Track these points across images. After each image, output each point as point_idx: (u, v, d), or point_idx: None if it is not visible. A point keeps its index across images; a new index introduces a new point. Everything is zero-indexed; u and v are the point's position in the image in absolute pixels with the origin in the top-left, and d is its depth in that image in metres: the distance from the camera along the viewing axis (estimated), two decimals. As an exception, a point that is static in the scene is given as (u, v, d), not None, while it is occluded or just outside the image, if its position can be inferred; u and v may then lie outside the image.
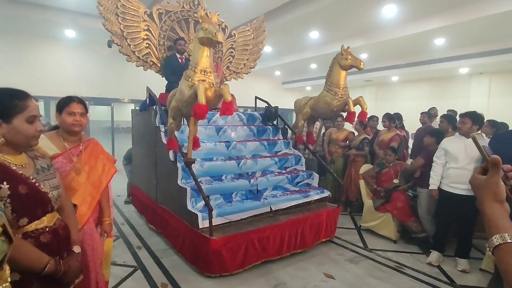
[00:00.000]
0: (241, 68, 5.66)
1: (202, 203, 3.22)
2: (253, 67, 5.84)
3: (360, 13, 6.52)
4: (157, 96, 4.15)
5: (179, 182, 3.42)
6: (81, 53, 9.15)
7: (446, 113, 5.45)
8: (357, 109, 3.50)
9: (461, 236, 3.47)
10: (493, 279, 2.91)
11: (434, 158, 3.54)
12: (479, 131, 3.50)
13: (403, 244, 4.00)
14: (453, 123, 4.42)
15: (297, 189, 4.07)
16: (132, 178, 5.21)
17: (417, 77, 11.03)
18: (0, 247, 0.84)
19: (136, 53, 4.51)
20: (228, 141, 4.13)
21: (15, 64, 8.21)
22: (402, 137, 4.98)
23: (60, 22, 7.39)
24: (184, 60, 4.57)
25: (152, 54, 4.68)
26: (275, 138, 4.72)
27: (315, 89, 12.63)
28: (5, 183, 1.09)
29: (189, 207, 3.21)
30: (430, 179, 3.53)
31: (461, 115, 3.40)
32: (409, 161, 4.83)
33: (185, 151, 3.36)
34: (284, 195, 3.80)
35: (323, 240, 3.84)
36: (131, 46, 4.44)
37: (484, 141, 0.82)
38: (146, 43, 4.60)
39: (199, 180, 3.25)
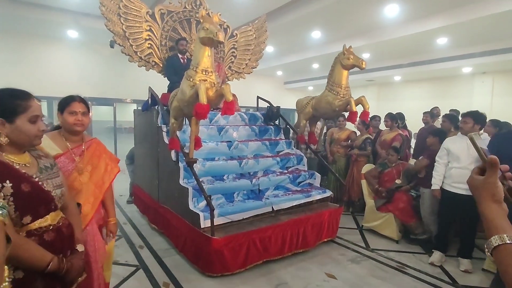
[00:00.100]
0: (243, 68, 5.66)
1: (204, 203, 3.22)
2: (255, 67, 5.84)
3: (362, 12, 6.51)
4: (159, 96, 4.16)
5: (181, 182, 3.43)
6: (83, 54, 9.19)
7: (448, 112, 5.43)
8: (359, 109, 3.50)
9: (463, 236, 3.46)
10: (495, 279, 2.90)
11: (437, 158, 3.53)
12: (482, 131, 3.49)
13: (405, 244, 3.99)
14: (455, 122, 4.40)
15: (299, 189, 4.06)
16: (134, 178, 5.23)
17: (419, 77, 11.00)
18: None
19: (138, 53, 4.52)
20: (230, 141, 4.13)
21: (18, 64, 8.26)
22: (404, 137, 4.96)
23: (63, 22, 7.43)
24: (186, 60, 4.58)
25: (154, 54, 4.69)
26: (277, 138, 4.72)
27: (317, 89, 12.63)
28: (8, 181, 1.10)
29: (191, 207, 3.21)
30: (432, 179, 3.52)
31: (463, 115, 3.39)
32: (411, 161, 4.81)
33: (187, 151, 3.36)
34: (286, 195, 3.80)
35: (325, 240, 3.84)
36: (133, 46, 4.46)
37: (481, 141, 0.81)
38: (148, 44, 4.61)
39: (201, 180, 3.25)
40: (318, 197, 3.99)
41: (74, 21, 7.38)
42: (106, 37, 5.79)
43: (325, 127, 5.04)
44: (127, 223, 4.55)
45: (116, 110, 10.07)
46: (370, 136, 5.26)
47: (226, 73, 5.40)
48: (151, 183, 4.30)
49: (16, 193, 1.11)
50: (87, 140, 1.95)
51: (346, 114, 3.75)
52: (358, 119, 3.64)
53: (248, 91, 8.08)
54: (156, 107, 4.11)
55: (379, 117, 5.76)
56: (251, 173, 3.96)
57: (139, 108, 4.96)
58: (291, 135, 5.02)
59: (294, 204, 3.71)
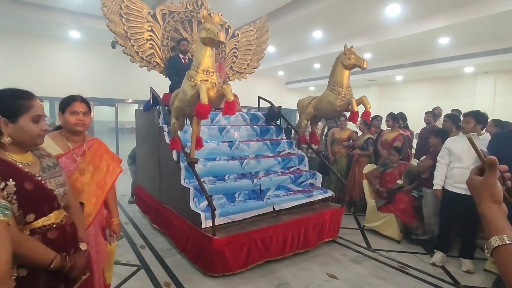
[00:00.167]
0: (245, 68, 5.67)
1: (205, 203, 3.22)
2: (257, 67, 5.85)
3: (364, 12, 6.50)
4: (161, 96, 4.17)
5: (182, 182, 3.44)
6: (85, 54, 9.22)
7: (450, 112, 5.41)
8: (360, 109, 3.49)
9: (465, 236, 3.45)
10: (497, 279, 2.90)
11: (438, 158, 3.52)
12: (484, 130, 3.48)
13: (407, 244, 3.98)
14: (456, 122, 4.39)
15: (300, 189, 4.06)
16: (136, 178, 5.24)
17: (421, 77, 10.97)
18: None
19: (139, 53, 4.54)
20: (231, 141, 4.14)
21: (20, 64, 8.29)
22: (405, 137, 4.95)
23: (65, 23, 7.46)
24: (187, 61, 4.59)
25: (156, 55, 4.70)
26: (278, 138, 4.72)
27: (318, 89, 12.61)
28: (11, 180, 1.11)
29: (192, 207, 3.22)
30: (434, 179, 3.51)
31: (465, 115, 3.38)
32: (413, 161, 4.80)
33: (188, 151, 3.37)
34: (287, 195, 3.80)
35: (327, 240, 3.84)
36: (135, 46, 4.47)
37: (480, 141, 0.81)
38: (150, 44, 4.62)
39: (202, 180, 3.26)
40: (320, 197, 3.98)
41: (76, 22, 7.41)
42: (108, 37, 5.80)
43: (326, 127, 5.04)
44: (129, 223, 4.56)
45: (118, 110, 10.09)
46: (372, 136, 5.26)
47: (228, 73, 5.41)
48: (153, 183, 4.31)
49: (19, 192, 1.12)
50: (88, 140, 1.94)
51: (348, 114, 3.76)
52: (359, 119, 3.64)
53: (249, 91, 8.08)
54: (157, 107, 4.12)
55: (381, 117, 5.75)
56: (252, 173, 3.96)
57: (141, 108, 4.97)
58: (292, 135, 5.03)
59: (295, 204, 3.71)
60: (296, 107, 4.73)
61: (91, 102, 2.00)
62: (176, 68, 4.51)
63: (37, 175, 1.24)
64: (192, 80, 2.81)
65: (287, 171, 4.21)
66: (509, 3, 5.34)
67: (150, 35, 4.60)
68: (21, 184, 1.14)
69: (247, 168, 3.92)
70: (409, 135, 5.48)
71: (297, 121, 4.88)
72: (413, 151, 5.95)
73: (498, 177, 0.76)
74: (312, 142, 4.56)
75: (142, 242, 3.89)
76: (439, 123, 5.67)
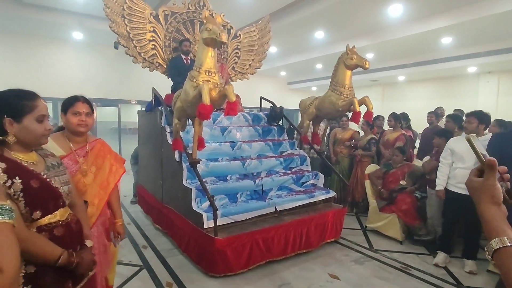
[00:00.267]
0: (247, 69, 5.67)
1: (207, 203, 3.23)
2: (259, 68, 5.85)
3: (366, 12, 6.49)
4: (163, 97, 4.18)
5: (184, 182, 3.44)
6: (88, 55, 9.26)
7: (452, 112, 5.39)
8: (362, 109, 3.49)
9: (468, 237, 3.43)
10: (500, 281, 2.88)
11: (440, 159, 3.50)
12: (487, 130, 3.46)
13: (409, 245, 3.96)
14: (459, 123, 4.37)
15: (302, 189, 4.06)
16: (139, 178, 5.25)
17: (424, 77, 10.93)
18: None
19: (142, 54, 4.55)
20: (233, 142, 4.14)
21: (24, 65, 8.34)
22: (407, 137, 4.93)
23: (68, 24, 7.49)
24: (189, 61, 4.60)
25: (158, 55, 4.71)
26: (280, 139, 4.72)
27: (320, 89, 12.58)
28: (17, 177, 1.13)
29: (194, 207, 3.22)
30: (436, 179, 3.50)
31: (467, 115, 3.37)
32: (416, 161, 4.78)
33: (190, 151, 3.38)
34: (289, 195, 3.80)
35: (329, 240, 3.83)
36: (137, 47, 4.48)
37: (480, 142, 0.80)
38: (152, 45, 4.64)
39: (204, 180, 3.26)
40: (322, 197, 3.98)
41: (79, 23, 7.45)
42: (111, 38, 5.81)
43: (328, 127, 5.03)
44: (131, 223, 4.57)
45: (121, 111, 10.13)
46: (374, 136, 5.24)
47: (230, 73, 5.41)
48: (155, 184, 4.32)
49: (25, 189, 1.14)
50: (91, 140, 1.94)
51: (350, 114, 3.75)
52: (362, 119, 3.63)
53: (251, 92, 8.09)
54: (159, 108, 4.13)
55: (383, 117, 5.74)
56: (254, 174, 3.96)
57: (143, 109, 4.98)
58: (295, 135, 5.02)
59: (297, 205, 3.71)
60: (298, 108, 4.73)
61: (93, 103, 1.98)
62: (178, 69, 4.52)
63: (42, 174, 1.26)
64: (194, 80, 2.81)
65: (289, 172, 4.20)
66: (512, 3, 5.32)
67: (152, 36, 4.62)
68: (27, 182, 1.16)
69: (249, 168, 3.92)
70: (412, 135, 5.46)
71: (299, 121, 4.87)
72: (416, 151, 5.92)
73: (498, 178, 0.75)
74: (314, 143, 4.55)
75: (144, 242, 3.90)
76: (442, 123, 5.65)
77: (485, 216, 0.74)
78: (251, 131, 4.50)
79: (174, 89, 4.50)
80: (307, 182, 4.20)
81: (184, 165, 3.51)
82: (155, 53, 4.68)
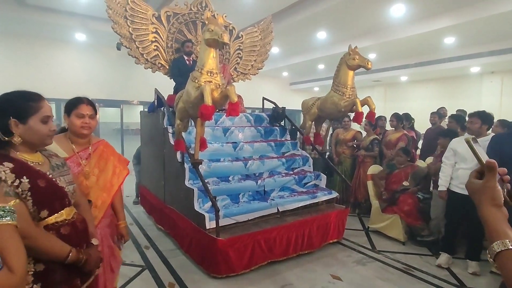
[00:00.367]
0: (249, 69, 5.68)
1: (209, 204, 3.23)
2: (261, 68, 5.85)
3: (368, 12, 6.48)
4: (165, 98, 4.19)
5: (186, 183, 3.45)
6: (91, 56, 9.30)
7: (455, 113, 5.37)
8: (365, 110, 3.48)
9: (471, 238, 3.41)
10: (503, 282, 2.85)
11: (443, 159, 3.49)
12: (490, 131, 3.44)
13: (412, 245, 3.95)
14: (461, 123, 4.35)
15: (304, 190, 4.05)
16: (141, 179, 5.27)
17: (426, 77, 10.89)
18: None
19: (144, 55, 4.57)
20: (235, 142, 4.14)
21: (27, 66, 8.39)
22: (409, 137, 4.91)
23: (71, 25, 7.53)
24: (191, 62, 4.61)
25: (160, 56, 4.73)
26: (283, 139, 4.72)
27: (322, 90, 12.57)
28: (24, 177, 1.15)
29: (196, 207, 3.23)
30: (439, 180, 3.48)
31: (470, 115, 3.35)
32: (418, 162, 4.76)
33: (192, 152, 3.38)
34: (291, 196, 3.80)
35: (331, 241, 3.82)
36: (140, 48, 4.50)
37: (478, 144, 0.80)
38: (154, 46, 4.65)
39: (206, 181, 3.27)
40: (324, 198, 3.97)
41: (82, 24, 7.49)
42: (113, 39, 5.85)
43: (330, 128, 5.02)
44: (133, 223, 4.58)
45: (123, 111, 10.16)
46: (377, 137, 5.22)
47: (232, 74, 5.42)
48: (157, 184, 4.33)
49: (33, 188, 1.16)
50: (94, 142, 1.93)
51: (352, 114, 3.74)
52: (364, 119, 3.62)
53: (253, 92, 8.08)
54: (162, 108, 4.14)
55: (385, 117, 5.72)
56: (257, 174, 3.96)
57: (146, 109, 5.00)
58: (298, 136, 5.02)
59: (299, 206, 3.71)
60: (300, 108, 4.73)
61: (96, 104, 1.98)
62: (181, 70, 4.53)
63: (48, 174, 1.28)
64: (196, 81, 2.81)
65: (291, 172, 4.20)
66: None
67: (154, 37, 4.63)
68: (34, 182, 1.17)
69: (251, 169, 3.92)
70: (415, 136, 5.44)
71: (301, 122, 4.87)
72: (418, 152, 5.89)
73: (498, 180, 0.75)
74: (317, 143, 4.55)
75: (147, 242, 3.91)
76: (445, 124, 5.63)
77: (486, 219, 0.74)
78: (253, 131, 4.50)
79: (176, 90, 4.51)
80: (309, 182, 4.19)
81: (186, 165, 3.52)
82: (158, 54, 4.69)
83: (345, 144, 5.39)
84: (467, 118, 3.78)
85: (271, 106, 5.00)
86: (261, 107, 5.43)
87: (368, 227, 4.46)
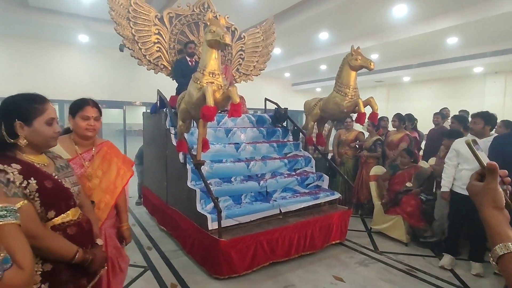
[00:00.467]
0: (251, 70, 5.68)
1: (212, 204, 3.23)
2: (263, 69, 5.86)
3: (370, 13, 6.47)
4: (168, 99, 4.20)
5: (188, 184, 3.45)
6: (94, 57, 9.35)
7: (458, 113, 5.35)
8: (367, 110, 3.47)
9: (474, 239, 3.39)
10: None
11: (446, 160, 3.47)
12: (493, 131, 3.42)
13: (415, 247, 3.93)
14: (464, 124, 4.33)
15: (307, 191, 4.05)
16: (143, 180, 5.28)
17: (429, 77, 10.86)
18: None
19: (147, 56, 4.59)
20: (238, 143, 4.15)
21: (30, 68, 8.44)
22: (412, 138, 4.89)
23: (74, 27, 7.58)
24: (194, 63, 4.62)
25: (163, 57, 4.74)
26: (285, 140, 4.72)
27: (325, 91, 12.56)
28: (32, 178, 1.16)
29: (199, 208, 3.23)
30: (441, 181, 3.47)
31: (473, 115, 3.33)
32: (421, 163, 4.74)
33: (194, 153, 3.39)
34: (293, 197, 3.79)
35: (334, 242, 3.81)
36: (142, 50, 4.52)
37: (479, 146, 0.79)
38: (157, 47, 4.67)
39: (208, 181, 3.27)
40: (326, 199, 3.96)
41: (84, 26, 7.53)
42: (116, 41, 5.88)
43: (333, 128, 5.01)
44: (136, 224, 4.59)
45: (126, 112, 10.19)
46: (380, 138, 5.20)
47: (234, 75, 5.43)
48: (160, 185, 4.34)
49: (40, 189, 1.18)
50: (98, 143, 1.92)
51: (354, 115, 3.73)
52: (367, 120, 3.61)
53: (255, 93, 8.10)
54: (164, 109, 4.15)
55: (387, 118, 5.70)
56: (259, 175, 3.96)
57: (148, 110, 5.01)
58: (300, 137, 5.01)
59: (302, 206, 3.70)
60: (302, 109, 4.72)
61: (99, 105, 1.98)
62: (183, 71, 4.54)
63: (54, 175, 1.30)
64: (198, 82, 2.82)
65: (294, 173, 4.20)
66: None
67: (157, 38, 4.65)
68: (41, 183, 1.19)
69: (253, 170, 3.92)
70: (417, 137, 5.43)
71: (303, 122, 4.87)
72: (421, 152, 5.87)
73: (499, 181, 0.74)
74: (319, 144, 4.54)
75: (149, 243, 3.92)
76: (447, 124, 5.61)
77: (487, 221, 0.73)
78: (255, 132, 4.51)
79: (179, 91, 4.52)
80: (311, 183, 4.19)
81: (188, 166, 3.52)
82: (160, 55, 4.71)
83: (348, 145, 5.38)
84: (470, 119, 3.76)
85: (273, 107, 5.00)
86: (263, 108, 5.44)
87: (371, 228, 4.45)
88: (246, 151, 4.12)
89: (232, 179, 3.74)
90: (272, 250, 3.22)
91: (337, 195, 4.08)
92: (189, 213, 3.42)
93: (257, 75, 5.80)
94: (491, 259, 0.71)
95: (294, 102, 12.75)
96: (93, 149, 1.88)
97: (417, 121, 5.79)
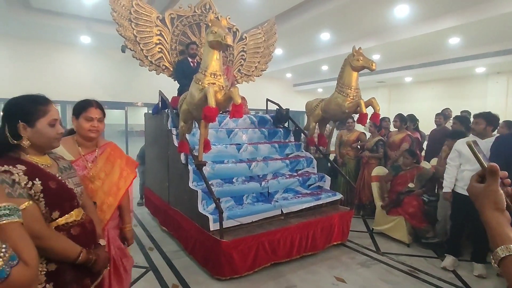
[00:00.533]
0: (253, 71, 5.68)
1: (213, 205, 3.23)
2: (265, 70, 5.86)
3: (372, 13, 6.46)
4: (169, 100, 4.21)
5: (190, 184, 3.46)
6: (95, 58, 9.37)
7: (459, 114, 5.34)
8: (369, 111, 3.47)
9: (477, 240, 3.38)
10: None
11: (448, 160, 3.46)
12: (495, 132, 3.41)
13: (417, 248, 3.92)
14: (466, 124, 4.31)
15: (308, 192, 4.04)
16: (145, 180, 5.29)
17: (431, 78, 10.83)
18: None
19: (148, 57, 4.59)
20: (239, 144, 4.15)
21: (32, 69, 8.47)
22: (413, 138, 4.88)
23: (76, 28, 7.59)
24: (195, 64, 4.62)
25: (165, 58, 4.75)
26: (286, 141, 4.71)
27: (326, 91, 12.54)
28: (37, 179, 1.18)
29: (200, 209, 3.23)
30: (443, 181, 3.46)
31: (475, 116, 3.32)
32: (423, 163, 4.73)
33: (196, 153, 3.39)
34: (295, 198, 3.79)
35: (335, 243, 3.81)
36: (144, 51, 4.52)
37: (480, 147, 0.79)
38: (159, 48, 4.67)
39: (210, 182, 3.27)
40: (328, 200, 3.96)
41: (86, 27, 7.54)
42: (118, 42, 5.87)
43: (334, 129, 5.01)
44: (138, 225, 4.60)
45: (128, 113, 10.21)
46: (382, 138, 5.19)
47: (235, 76, 5.43)
48: (162, 186, 4.35)
49: (45, 190, 1.19)
50: (101, 144, 1.91)
51: (356, 116, 3.73)
52: (368, 121, 3.60)
53: (257, 94, 8.09)
54: (166, 110, 4.16)
55: (388, 118, 5.70)
56: (260, 176, 3.96)
57: (150, 111, 5.02)
58: (302, 137, 5.01)
59: (303, 207, 3.69)
60: (304, 109, 4.72)
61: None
62: (185, 72, 4.55)
63: (57, 176, 1.30)
64: (200, 83, 2.83)
65: (295, 174, 4.19)
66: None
67: (159, 39, 4.65)
68: (46, 183, 1.20)
69: (255, 170, 3.92)
70: (419, 137, 5.42)
71: (305, 123, 4.86)
72: (423, 153, 5.86)
73: (499, 183, 0.74)
74: (321, 144, 4.54)
75: (151, 244, 3.92)
76: (449, 125, 5.59)
77: (489, 223, 0.73)
78: (257, 133, 4.51)
79: (181, 91, 4.53)
80: (313, 184, 4.18)
81: (190, 167, 3.53)
82: (162, 56, 4.72)
83: (349, 146, 5.37)
84: (472, 119, 3.75)
85: (274, 107, 5.00)
86: (265, 108, 5.43)
87: (373, 229, 4.44)
88: (248, 151, 4.12)
89: (234, 180, 3.74)
90: (274, 251, 3.22)
91: (338, 196, 4.07)
92: (190, 213, 3.43)
93: (258, 76, 5.80)
94: (493, 261, 0.70)
95: (296, 103, 12.73)
96: (97, 150, 1.87)
97: (419, 122, 5.78)
